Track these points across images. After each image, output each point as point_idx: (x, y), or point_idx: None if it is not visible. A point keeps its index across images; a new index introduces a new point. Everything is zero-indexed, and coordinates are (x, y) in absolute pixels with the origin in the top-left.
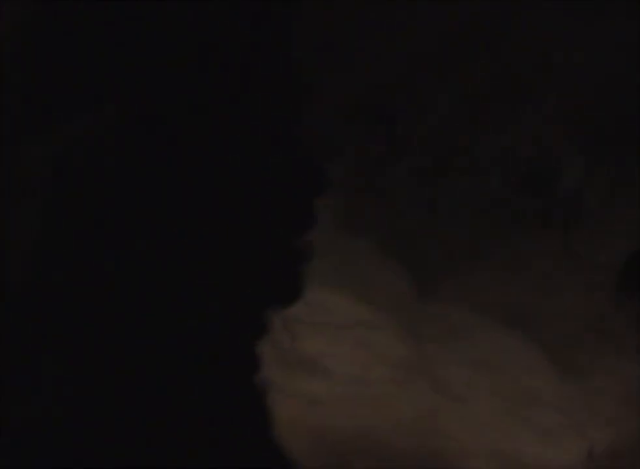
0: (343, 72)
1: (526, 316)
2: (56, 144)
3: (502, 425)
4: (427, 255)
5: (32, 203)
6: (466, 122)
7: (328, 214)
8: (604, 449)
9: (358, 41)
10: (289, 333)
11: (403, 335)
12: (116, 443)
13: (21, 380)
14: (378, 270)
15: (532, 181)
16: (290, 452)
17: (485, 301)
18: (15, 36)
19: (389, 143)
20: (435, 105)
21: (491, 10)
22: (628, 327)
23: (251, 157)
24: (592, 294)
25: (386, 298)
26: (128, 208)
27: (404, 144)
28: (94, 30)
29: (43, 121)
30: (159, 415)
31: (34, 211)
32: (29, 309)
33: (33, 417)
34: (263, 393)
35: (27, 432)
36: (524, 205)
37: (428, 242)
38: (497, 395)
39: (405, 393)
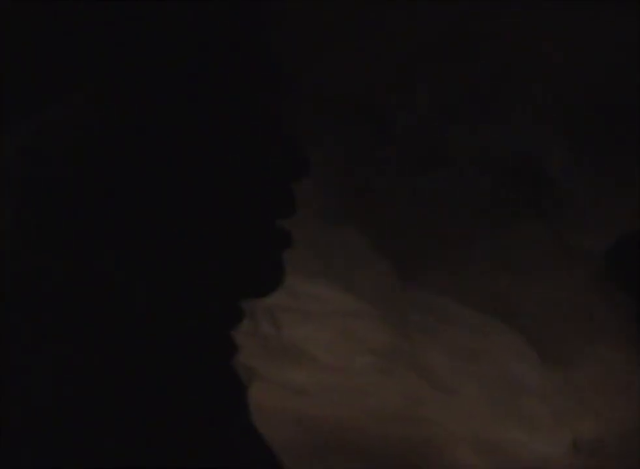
0: (333, 66)
1: (512, 305)
2: (29, 131)
3: (488, 413)
4: (414, 244)
5: (9, 194)
6: (454, 114)
7: (314, 205)
8: (590, 438)
9: (350, 38)
10: (273, 321)
11: (388, 324)
12: (98, 433)
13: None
14: (363, 259)
15: (520, 171)
16: (273, 440)
17: (471, 290)
18: None
19: (377, 135)
20: (424, 98)
21: (482, 6)
22: (613, 316)
23: (227, 139)
24: (579, 283)
25: (372, 287)
26: (105, 196)
27: (392, 137)
28: (68, 13)
29: (20, 108)
30: (133, 404)
31: (10, 202)
32: (13, 303)
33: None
34: (240, 380)
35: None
36: (512, 195)
37: (415, 232)
38: (483, 384)
39: (391, 382)
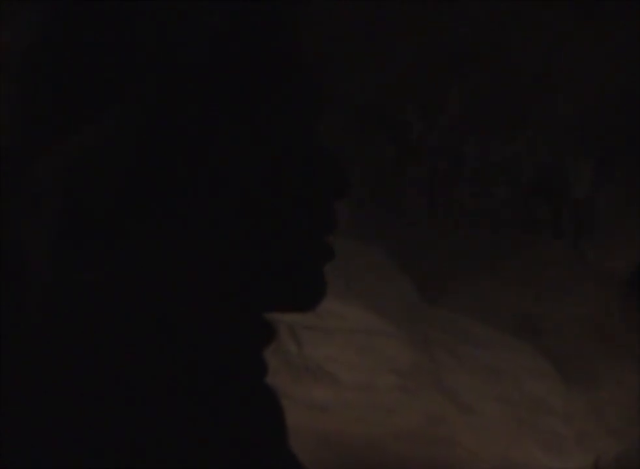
0: (352, 81)
1: (535, 324)
2: (66, 154)
3: (510, 433)
4: (437, 262)
5: (43, 219)
6: (476, 129)
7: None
8: (610, 459)
9: (369, 50)
10: (296, 339)
11: (411, 342)
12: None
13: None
14: (386, 277)
15: (543, 189)
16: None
17: (494, 309)
18: (19, 43)
19: (398, 151)
20: (444, 113)
21: (503, 19)
22: (636, 337)
23: (271, 156)
24: (602, 303)
25: (395, 306)
26: (144, 218)
27: (413, 152)
28: (100, 31)
29: (53, 129)
30: (167, 423)
31: (46, 227)
32: (47, 325)
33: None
34: (275, 397)
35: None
36: (535, 213)
37: (437, 250)
38: (505, 403)
39: (413, 401)
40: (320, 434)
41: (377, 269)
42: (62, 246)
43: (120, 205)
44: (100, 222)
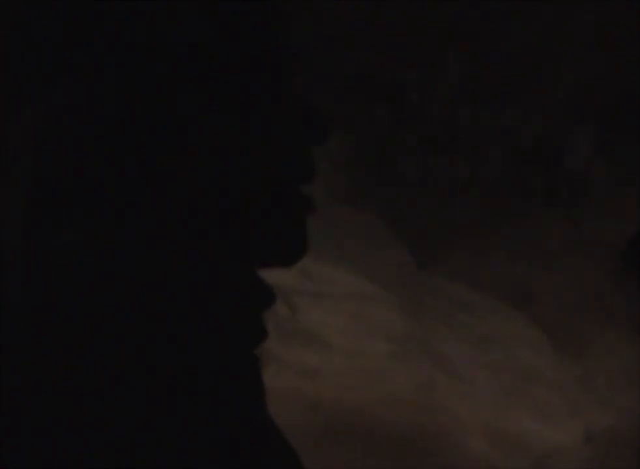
0: (349, 50)
1: (528, 293)
2: (35, 122)
3: (501, 402)
4: (431, 230)
5: (13, 187)
6: (472, 98)
7: (331, 188)
8: (602, 428)
9: (358, 21)
10: (288, 304)
11: (403, 309)
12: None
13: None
14: (380, 244)
15: (539, 158)
16: (284, 422)
17: (487, 278)
18: None
19: (394, 119)
20: (441, 82)
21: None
22: (629, 307)
23: (249, 108)
24: (594, 273)
25: (387, 272)
26: (119, 184)
27: (409, 121)
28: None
29: (29, 88)
30: (152, 388)
31: (16, 195)
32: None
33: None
34: (257, 363)
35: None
36: (530, 182)
37: (432, 218)
38: (496, 372)
39: (403, 367)
40: (310, 398)
41: (370, 236)
42: (32, 215)
43: (91, 173)
44: (70, 190)
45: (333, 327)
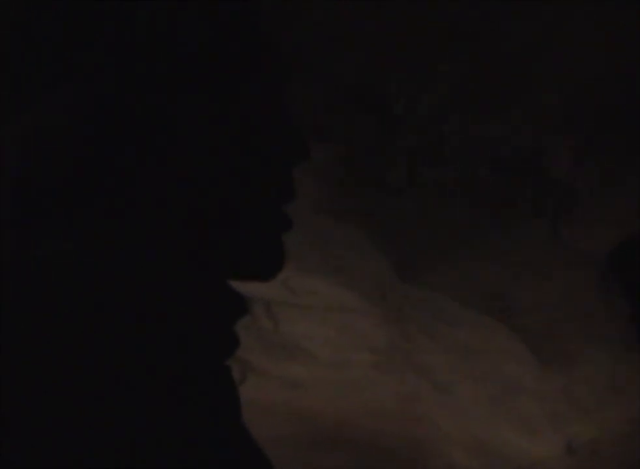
0: (334, 57)
1: (511, 305)
2: (22, 130)
3: (483, 413)
4: (414, 242)
5: (4, 191)
6: (455, 109)
7: (314, 199)
8: (584, 441)
9: (352, 25)
10: (271, 316)
11: (386, 320)
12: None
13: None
14: (362, 254)
15: (524, 168)
16: (269, 434)
17: (470, 288)
18: None
19: (380, 129)
20: (424, 92)
21: (488, 5)
22: (613, 319)
23: (231, 126)
24: (578, 285)
25: (370, 283)
26: (106, 193)
27: (391, 131)
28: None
29: (16, 96)
30: (129, 400)
31: (2, 201)
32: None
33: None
34: (229, 372)
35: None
36: (514, 193)
37: (415, 229)
38: (479, 383)
39: (387, 379)
40: (294, 410)
41: (354, 246)
42: (19, 221)
43: (77, 179)
44: (56, 196)
45: (316, 339)
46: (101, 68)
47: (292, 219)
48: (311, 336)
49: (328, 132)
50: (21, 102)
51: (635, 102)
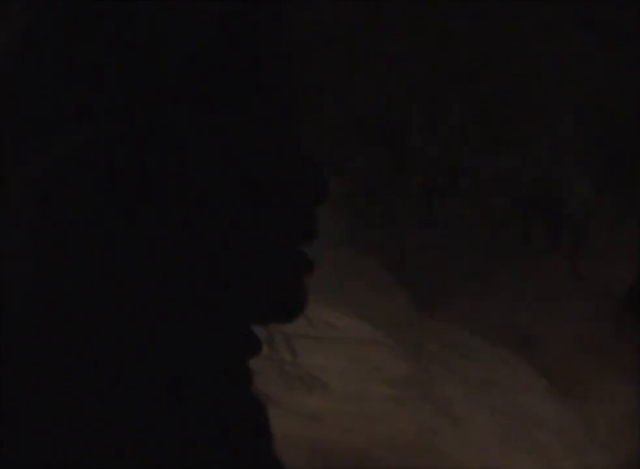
0: (353, 90)
1: (527, 337)
2: (44, 162)
3: (501, 446)
4: (432, 274)
5: (20, 230)
6: (474, 141)
7: (332, 231)
8: None
9: (369, 61)
10: (289, 348)
11: (403, 352)
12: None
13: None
14: (380, 287)
15: (540, 201)
16: (287, 467)
17: (487, 322)
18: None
19: (394, 162)
20: (442, 125)
21: (504, 31)
22: (627, 351)
23: (248, 163)
24: (596, 317)
25: (388, 316)
26: (125, 228)
27: (410, 163)
28: (89, 38)
29: (32, 135)
30: (150, 437)
31: (21, 237)
32: (30, 333)
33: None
34: (260, 407)
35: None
36: (532, 225)
37: (433, 261)
38: (496, 416)
39: (404, 411)
40: (312, 443)
41: (371, 279)
42: (40, 256)
43: (96, 213)
44: (77, 230)
45: (334, 371)
46: (112, 105)
47: (313, 261)
48: (328, 368)
49: (341, 163)
50: (31, 143)
51: None
